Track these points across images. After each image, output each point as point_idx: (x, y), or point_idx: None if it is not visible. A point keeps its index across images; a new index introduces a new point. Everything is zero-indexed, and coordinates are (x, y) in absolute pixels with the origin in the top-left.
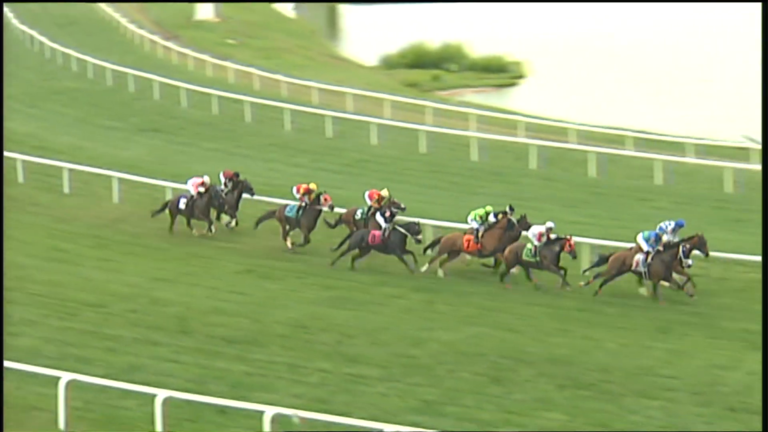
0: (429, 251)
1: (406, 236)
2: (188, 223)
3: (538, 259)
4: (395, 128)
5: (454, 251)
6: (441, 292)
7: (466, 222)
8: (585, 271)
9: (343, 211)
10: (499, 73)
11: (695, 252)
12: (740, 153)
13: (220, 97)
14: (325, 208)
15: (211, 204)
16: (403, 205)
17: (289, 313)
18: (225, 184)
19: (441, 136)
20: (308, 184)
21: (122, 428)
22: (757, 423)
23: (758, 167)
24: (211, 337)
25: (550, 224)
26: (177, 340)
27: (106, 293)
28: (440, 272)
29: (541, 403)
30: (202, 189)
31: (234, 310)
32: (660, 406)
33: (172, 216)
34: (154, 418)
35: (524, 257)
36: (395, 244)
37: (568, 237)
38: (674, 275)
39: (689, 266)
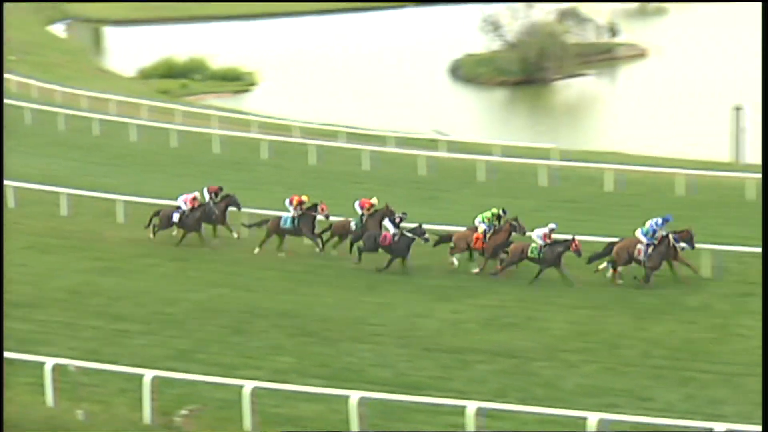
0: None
1: (413, 240)
2: (183, 236)
3: (541, 257)
4: (151, 128)
5: (466, 246)
6: (191, 260)
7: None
8: (592, 260)
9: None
10: (236, 81)
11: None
12: (431, 143)
13: (4, 104)
14: (321, 216)
15: (203, 218)
16: (402, 214)
17: (65, 281)
18: (211, 198)
19: (188, 134)
20: (300, 196)
21: None
22: (447, 359)
23: (446, 155)
24: None
25: (552, 226)
26: None
27: None
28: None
29: (274, 349)
30: (195, 204)
31: (19, 279)
32: (370, 349)
33: (162, 227)
34: None
35: (530, 255)
36: (402, 247)
37: (574, 238)
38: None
39: (683, 249)
